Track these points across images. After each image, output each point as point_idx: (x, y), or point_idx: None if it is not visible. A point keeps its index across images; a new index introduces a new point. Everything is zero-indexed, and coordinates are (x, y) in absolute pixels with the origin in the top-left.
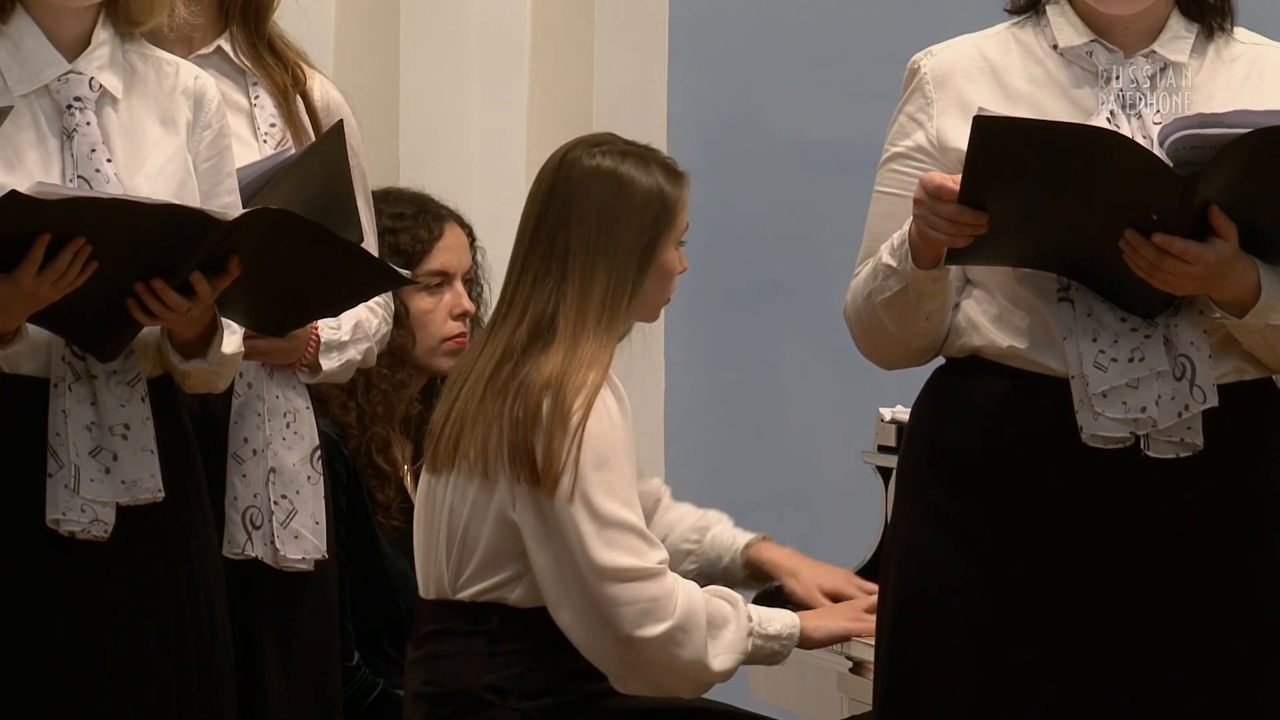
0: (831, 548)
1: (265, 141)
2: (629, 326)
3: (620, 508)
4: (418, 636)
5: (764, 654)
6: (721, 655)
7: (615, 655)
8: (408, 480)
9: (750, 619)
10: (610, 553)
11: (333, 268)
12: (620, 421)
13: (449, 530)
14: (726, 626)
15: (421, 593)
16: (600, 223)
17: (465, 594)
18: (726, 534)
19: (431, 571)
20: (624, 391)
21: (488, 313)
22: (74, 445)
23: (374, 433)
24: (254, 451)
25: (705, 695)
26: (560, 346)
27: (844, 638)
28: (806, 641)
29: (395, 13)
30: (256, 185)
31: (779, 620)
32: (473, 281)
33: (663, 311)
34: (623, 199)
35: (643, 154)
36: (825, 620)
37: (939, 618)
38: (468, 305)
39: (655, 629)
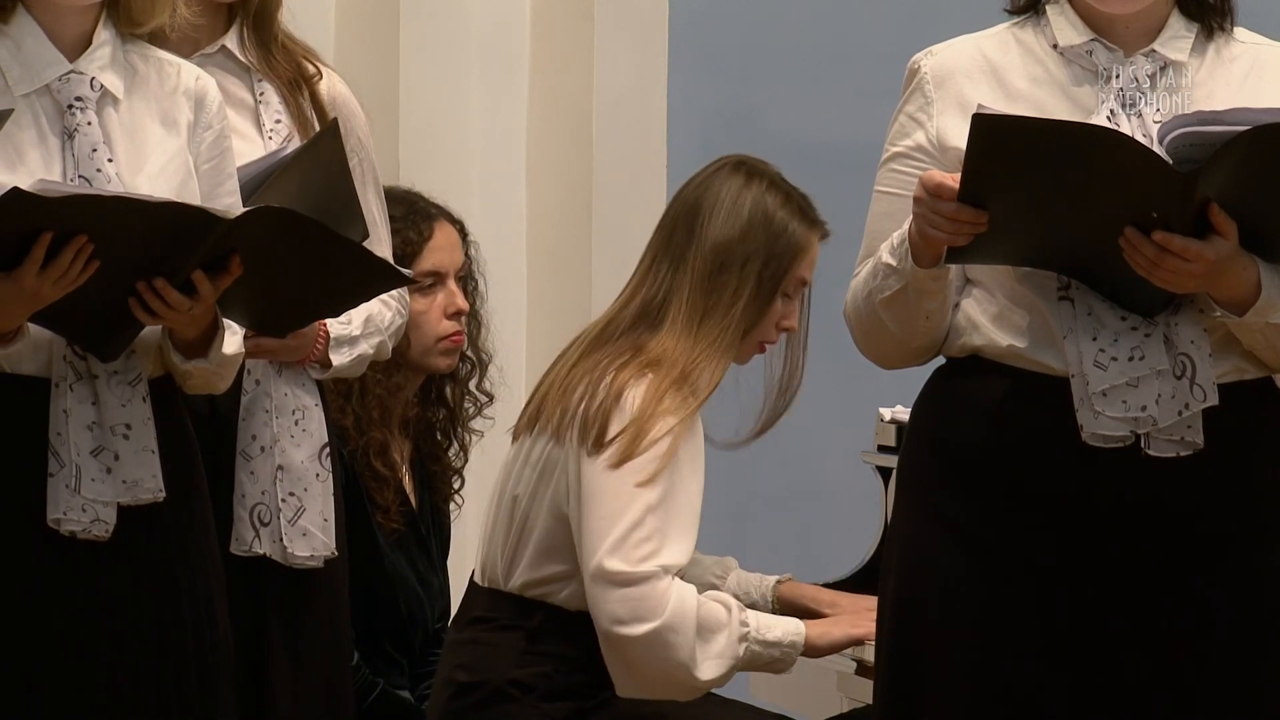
0: (831, 548)
1: (271, 138)
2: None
3: (642, 512)
4: (463, 619)
5: (762, 661)
6: (711, 661)
7: (603, 649)
8: (407, 482)
9: (745, 625)
10: (611, 555)
11: (334, 267)
12: (681, 434)
13: (509, 520)
14: (719, 632)
15: (476, 577)
16: (714, 223)
17: (515, 584)
18: (751, 575)
19: (488, 558)
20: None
21: (484, 308)
22: (75, 445)
23: (371, 437)
24: (262, 449)
25: (717, 694)
26: (671, 332)
27: (849, 644)
28: (811, 650)
29: (395, 13)
30: (254, 184)
31: (780, 627)
32: (467, 278)
33: None
34: (739, 207)
35: (789, 191)
36: (830, 627)
37: (940, 617)
38: (462, 303)
39: (638, 628)
